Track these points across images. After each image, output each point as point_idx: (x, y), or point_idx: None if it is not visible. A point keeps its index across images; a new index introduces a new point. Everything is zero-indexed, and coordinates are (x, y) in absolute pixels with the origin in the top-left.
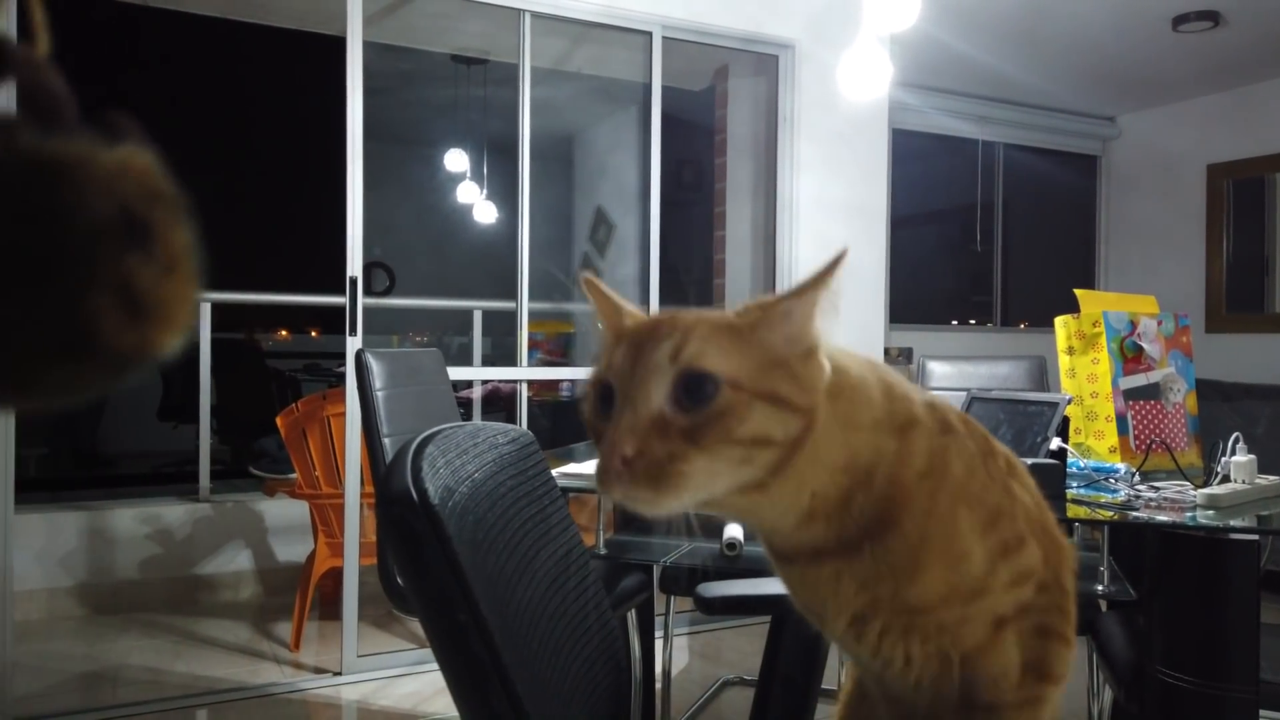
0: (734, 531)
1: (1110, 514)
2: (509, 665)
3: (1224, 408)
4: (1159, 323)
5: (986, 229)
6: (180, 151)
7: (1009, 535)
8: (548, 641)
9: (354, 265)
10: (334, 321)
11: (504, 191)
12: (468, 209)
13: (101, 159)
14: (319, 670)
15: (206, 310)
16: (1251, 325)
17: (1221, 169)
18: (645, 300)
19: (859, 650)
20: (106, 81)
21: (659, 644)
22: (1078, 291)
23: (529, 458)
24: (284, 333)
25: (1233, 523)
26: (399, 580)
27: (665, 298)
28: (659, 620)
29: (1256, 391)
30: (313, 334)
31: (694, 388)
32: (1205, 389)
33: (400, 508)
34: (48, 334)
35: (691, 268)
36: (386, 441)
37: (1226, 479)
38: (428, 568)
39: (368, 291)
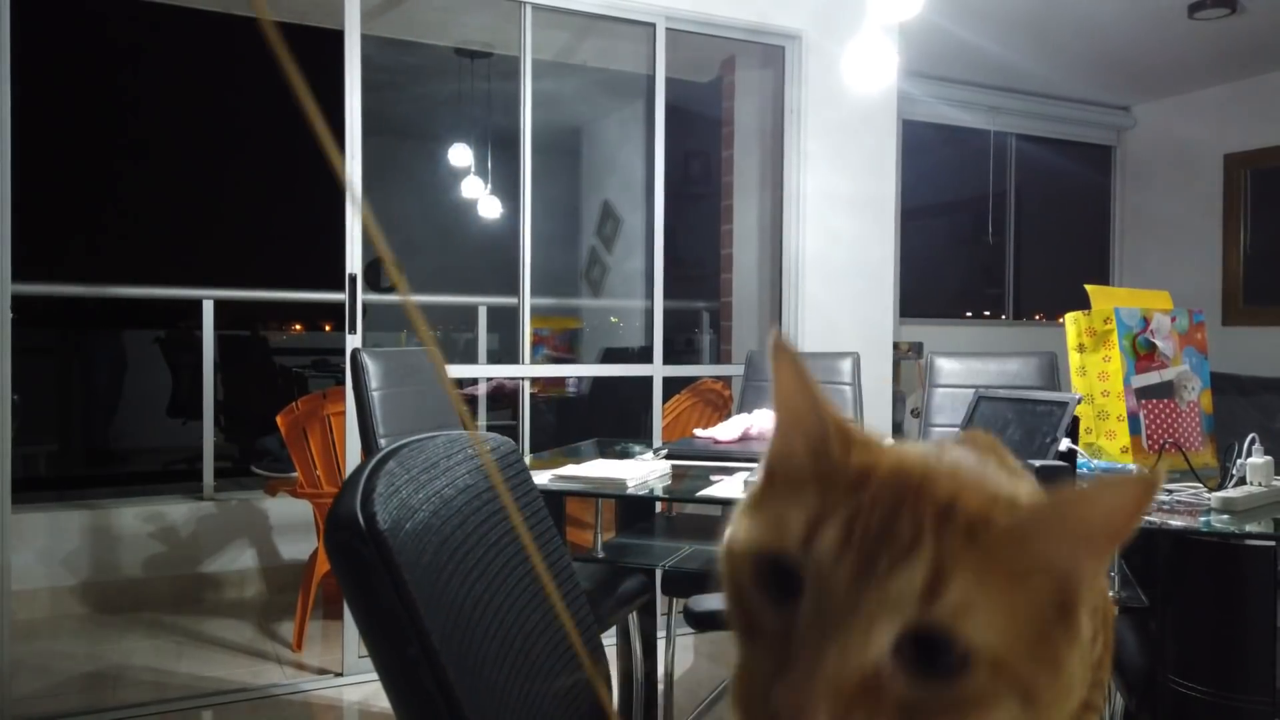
0: None
1: None
2: (463, 702)
3: (1241, 402)
4: (1172, 319)
5: (998, 221)
6: (185, 147)
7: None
8: (522, 665)
9: (353, 262)
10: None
11: (508, 186)
12: (472, 204)
13: None
14: (321, 671)
15: (210, 307)
16: (1269, 318)
17: (1238, 159)
18: (650, 294)
19: None
20: (106, 76)
21: (661, 646)
22: (1089, 287)
23: (510, 467)
24: (298, 326)
25: (1249, 528)
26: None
27: (671, 292)
28: (662, 620)
29: (1274, 385)
30: (326, 328)
31: (936, 653)
32: (1222, 383)
33: (346, 534)
34: None
35: (700, 261)
36: (383, 442)
37: (1242, 481)
38: (375, 598)
39: (376, 288)
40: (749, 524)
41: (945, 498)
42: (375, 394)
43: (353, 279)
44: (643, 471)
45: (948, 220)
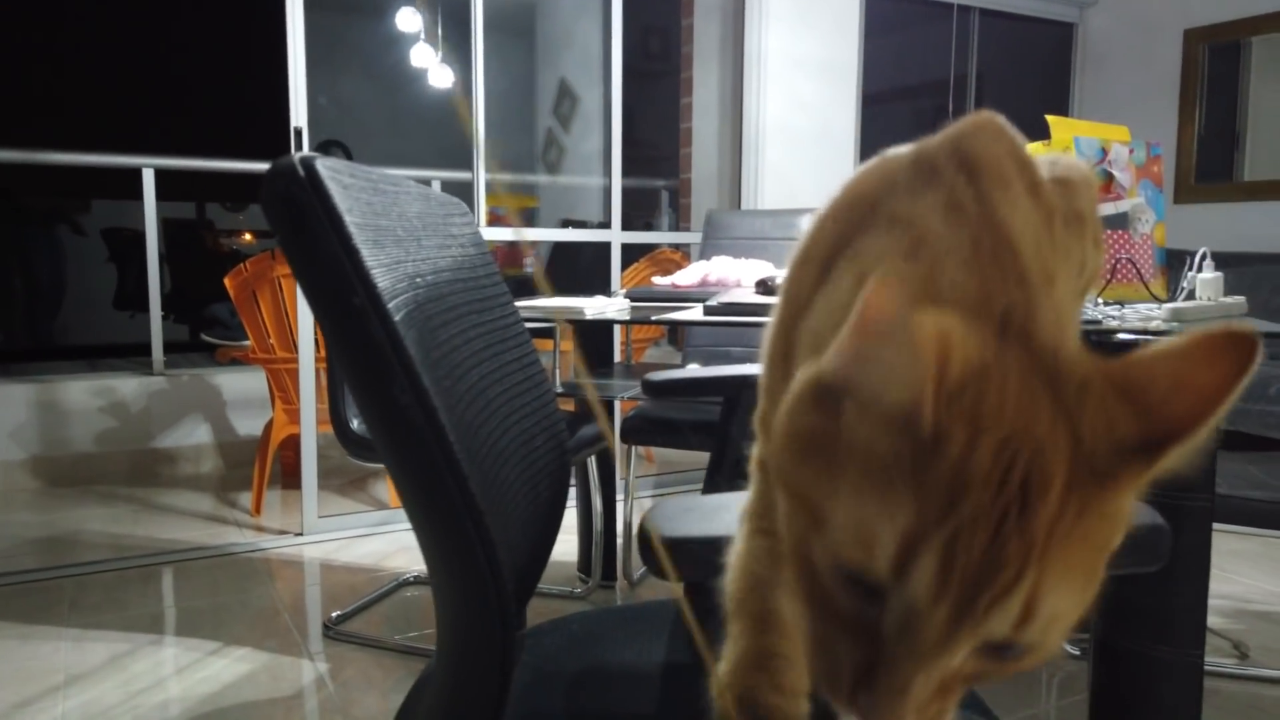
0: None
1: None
2: (415, 358)
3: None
4: (1130, 151)
5: (959, 106)
6: (122, 6)
7: None
8: (477, 392)
9: (298, 115)
10: None
11: (460, 55)
12: (422, 74)
13: None
14: (281, 532)
15: (150, 176)
16: (1220, 195)
17: (1198, 34)
18: (607, 172)
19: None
20: None
21: (620, 501)
22: (1049, 118)
23: (480, 246)
24: (248, 236)
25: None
26: (350, 423)
27: (630, 171)
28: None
29: (1224, 259)
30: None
31: (1015, 651)
32: (1173, 259)
33: (283, 181)
34: None
35: (659, 142)
36: None
37: (1192, 296)
38: (316, 244)
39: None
40: (820, 513)
41: (1047, 506)
42: None
43: (298, 133)
44: (601, 304)
45: (910, 105)
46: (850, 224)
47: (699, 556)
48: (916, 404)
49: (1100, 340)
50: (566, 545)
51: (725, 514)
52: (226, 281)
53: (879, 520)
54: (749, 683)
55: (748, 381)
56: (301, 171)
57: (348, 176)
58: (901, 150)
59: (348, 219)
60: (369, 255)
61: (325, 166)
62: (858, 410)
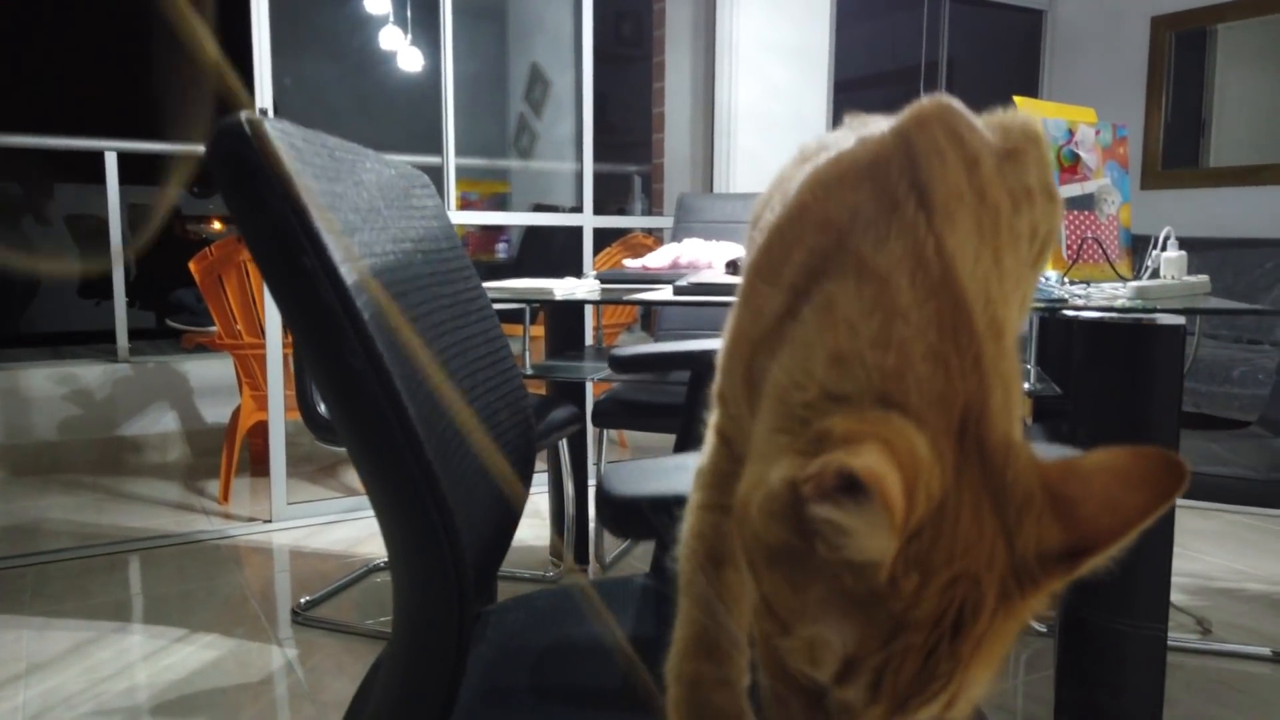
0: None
1: (1041, 304)
2: (369, 323)
3: None
4: (1097, 132)
5: (931, 90)
6: None
7: None
8: (439, 364)
9: (263, 96)
10: None
11: (430, 37)
12: (391, 57)
13: None
14: (250, 519)
15: (113, 159)
16: (1186, 181)
17: (1165, 21)
18: (579, 157)
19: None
20: None
21: (591, 487)
22: (1016, 99)
23: (441, 218)
24: (217, 224)
25: (1159, 306)
26: (317, 408)
27: (602, 157)
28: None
29: (1189, 244)
30: None
31: None
32: (1139, 245)
33: (228, 140)
34: None
35: (632, 127)
36: None
37: (1156, 274)
38: (261, 203)
39: None
40: (785, 622)
41: (978, 628)
42: None
43: (263, 114)
44: (571, 285)
45: (881, 91)
46: (818, 253)
47: (650, 516)
48: (877, 563)
49: (1067, 318)
50: (539, 529)
51: (679, 474)
52: (192, 266)
53: (828, 644)
54: (694, 674)
55: (713, 357)
56: (248, 129)
57: (300, 140)
58: (855, 150)
59: (297, 180)
60: (320, 217)
61: (274, 126)
62: (824, 544)
